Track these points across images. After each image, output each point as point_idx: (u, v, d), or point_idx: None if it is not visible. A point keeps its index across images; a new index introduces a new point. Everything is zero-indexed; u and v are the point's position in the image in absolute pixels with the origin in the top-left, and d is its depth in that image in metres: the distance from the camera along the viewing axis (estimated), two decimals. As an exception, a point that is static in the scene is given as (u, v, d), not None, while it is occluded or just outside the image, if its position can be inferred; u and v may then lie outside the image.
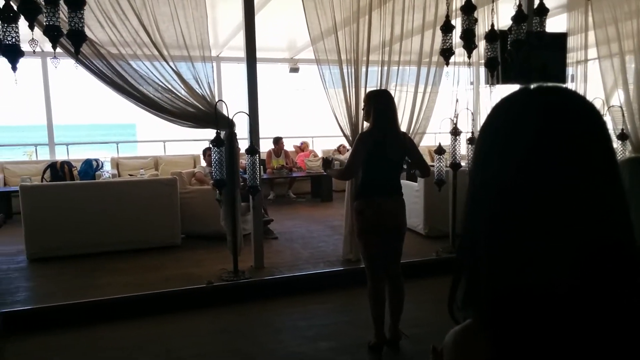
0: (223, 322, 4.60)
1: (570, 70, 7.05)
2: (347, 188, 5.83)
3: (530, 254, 0.77)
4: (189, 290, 4.96)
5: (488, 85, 6.20)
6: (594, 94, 7.06)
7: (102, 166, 9.46)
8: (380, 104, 3.81)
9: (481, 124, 0.90)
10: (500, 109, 0.87)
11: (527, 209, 0.78)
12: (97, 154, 10.86)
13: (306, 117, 12.43)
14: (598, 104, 6.93)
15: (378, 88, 5.77)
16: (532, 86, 0.86)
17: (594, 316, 0.75)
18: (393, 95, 5.73)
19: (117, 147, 11.51)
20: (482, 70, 6.26)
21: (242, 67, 5.64)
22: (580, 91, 7.04)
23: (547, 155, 0.78)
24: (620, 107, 6.93)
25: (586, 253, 0.76)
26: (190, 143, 11.25)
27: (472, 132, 6.22)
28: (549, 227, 0.76)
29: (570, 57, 6.88)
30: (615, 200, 0.80)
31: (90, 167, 9.12)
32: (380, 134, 3.76)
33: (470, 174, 0.89)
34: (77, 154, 12.24)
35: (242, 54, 5.55)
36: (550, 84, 0.85)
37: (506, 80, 6.13)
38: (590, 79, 7.17)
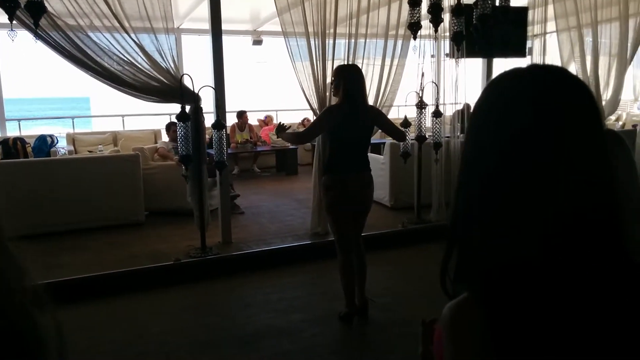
0: (192, 298, 4.58)
1: (529, 44, 7.18)
2: (314, 162, 5.83)
3: (522, 226, 0.79)
4: (157, 268, 4.90)
5: (452, 59, 6.26)
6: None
7: (57, 142, 9.15)
8: (350, 79, 3.79)
9: (474, 101, 0.92)
10: (497, 84, 0.89)
11: (520, 180, 0.80)
12: (51, 130, 10.50)
13: (270, 90, 12.29)
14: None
15: (345, 61, 5.74)
16: (526, 65, 0.88)
17: (587, 286, 0.77)
18: (360, 68, 5.75)
19: (73, 122, 11.13)
20: (446, 43, 6.31)
21: (204, 40, 5.52)
22: (540, 62, 7.18)
23: (542, 127, 0.79)
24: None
25: (576, 224, 0.78)
26: (150, 117, 10.97)
27: (437, 105, 6.28)
28: (542, 198, 0.78)
29: (530, 31, 7.00)
30: (604, 172, 0.82)
31: (44, 144, 8.79)
32: (349, 108, 3.74)
33: (463, 147, 0.91)
34: (30, 130, 11.81)
35: (203, 25, 5.43)
36: (545, 64, 0.89)
37: (470, 53, 6.20)
38: (548, 52, 7.32)
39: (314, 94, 5.66)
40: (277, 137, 4.27)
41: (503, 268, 0.79)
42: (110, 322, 4.09)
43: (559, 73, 0.86)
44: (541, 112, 0.80)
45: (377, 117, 3.92)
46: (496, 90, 0.88)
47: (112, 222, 6.09)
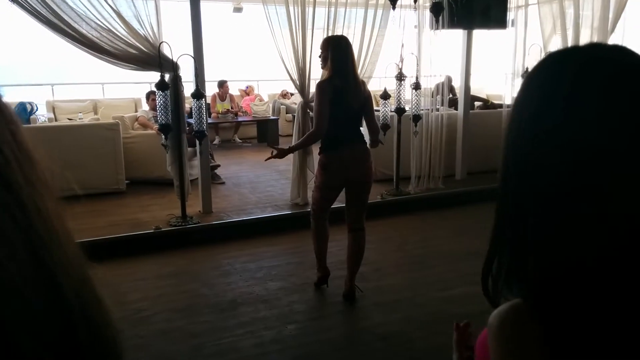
0: (172, 266, 4.64)
1: (511, 15, 7.20)
2: (294, 132, 5.86)
3: (586, 225, 0.70)
4: (137, 236, 4.94)
5: (432, 30, 6.28)
6: (533, 40, 7.27)
7: (36, 110, 9.04)
8: (338, 51, 3.65)
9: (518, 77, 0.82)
10: (560, 63, 0.76)
11: (590, 184, 0.70)
12: (31, 96, 10.32)
13: (251, 60, 12.16)
14: (536, 51, 7.15)
15: (325, 30, 5.72)
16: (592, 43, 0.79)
17: None
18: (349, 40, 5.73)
19: (52, 89, 10.95)
20: (427, 14, 6.31)
21: (183, 6, 5.45)
22: (520, 36, 7.23)
23: (616, 122, 0.69)
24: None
25: None
26: (130, 86, 10.83)
27: (417, 77, 6.31)
28: (609, 195, 0.69)
29: (511, 2, 7.01)
30: None
31: (24, 111, 8.68)
32: (339, 82, 3.62)
33: (505, 144, 0.79)
34: (9, 97, 11.59)
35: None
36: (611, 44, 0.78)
37: (450, 25, 6.21)
38: (529, 24, 7.34)
39: (294, 64, 5.65)
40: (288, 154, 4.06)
41: (564, 272, 0.71)
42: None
43: (630, 54, 0.73)
44: (618, 103, 0.70)
45: (365, 96, 3.79)
46: (556, 74, 0.75)
47: (93, 191, 6.06)
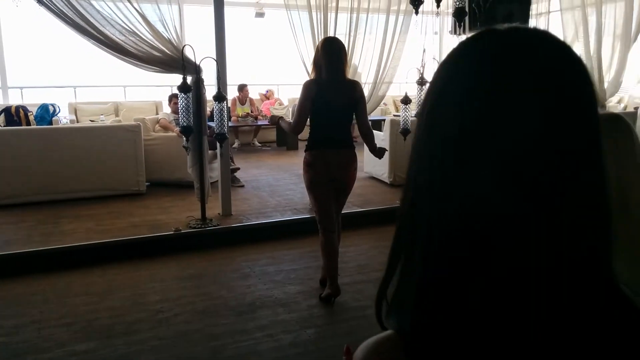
0: (192, 268, 4.66)
1: (533, 22, 7.14)
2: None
3: (467, 269, 0.62)
4: (157, 237, 4.97)
5: (454, 35, 6.24)
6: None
7: (59, 111, 9.16)
8: (328, 52, 3.61)
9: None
10: (457, 52, 0.66)
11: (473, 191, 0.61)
12: (53, 98, 10.46)
13: (271, 64, 12.21)
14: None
15: (347, 35, 5.74)
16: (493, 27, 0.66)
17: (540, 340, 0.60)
18: (362, 45, 5.74)
19: (75, 91, 11.10)
20: (448, 19, 6.29)
21: (206, 10, 5.50)
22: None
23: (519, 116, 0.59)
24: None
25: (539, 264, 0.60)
26: (152, 88, 10.95)
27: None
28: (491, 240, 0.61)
29: (534, 9, 6.96)
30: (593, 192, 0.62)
31: (46, 112, 8.81)
32: (325, 81, 3.59)
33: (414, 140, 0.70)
34: (32, 98, 11.76)
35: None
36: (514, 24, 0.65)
37: (472, 30, 6.17)
38: (552, 31, 7.28)
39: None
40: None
41: (443, 310, 0.63)
42: (109, 290, 4.17)
43: (549, 38, 0.63)
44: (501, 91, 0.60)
45: (355, 96, 3.70)
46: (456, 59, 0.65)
47: (113, 192, 6.16)
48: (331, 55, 3.59)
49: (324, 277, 4.13)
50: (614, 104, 8.84)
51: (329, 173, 3.69)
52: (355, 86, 3.76)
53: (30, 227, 5.21)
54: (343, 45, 3.77)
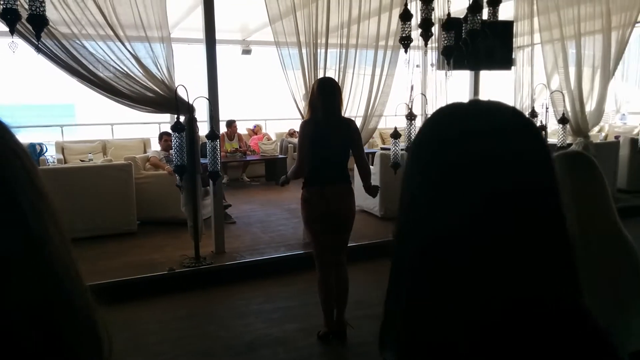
0: (188, 307, 4.61)
1: (516, 56, 7.34)
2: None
3: (443, 309, 0.70)
4: (151, 278, 4.92)
5: (440, 70, 6.40)
6: (538, 77, 7.40)
7: (45, 150, 9.11)
8: (323, 91, 3.69)
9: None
10: (435, 122, 0.79)
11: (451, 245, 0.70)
12: (39, 138, 10.42)
13: (258, 100, 12.34)
14: (540, 89, 7.27)
15: (336, 71, 5.84)
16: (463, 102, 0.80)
17: None
18: (351, 79, 5.84)
19: (62, 130, 11.08)
20: (433, 54, 6.44)
21: (193, 49, 5.55)
22: (526, 75, 7.34)
23: (483, 176, 0.69)
24: (561, 91, 7.28)
25: (507, 311, 0.67)
26: (139, 126, 10.97)
27: (426, 117, 6.40)
28: (467, 282, 0.68)
29: (516, 42, 7.16)
30: (556, 247, 0.71)
31: (33, 152, 8.74)
32: (321, 121, 3.68)
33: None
34: (18, 138, 11.68)
35: (194, 34, 5.45)
36: (486, 100, 0.79)
37: (457, 66, 6.34)
38: (535, 63, 7.49)
39: (307, 104, 5.73)
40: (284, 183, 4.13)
41: (423, 350, 0.70)
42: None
43: (505, 110, 0.76)
44: (483, 156, 0.70)
45: (351, 134, 3.78)
46: (432, 128, 0.78)
47: (105, 232, 6.10)
48: (326, 95, 3.68)
49: (324, 334, 3.97)
50: (595, 133, 9.04)
51: (327, 207, 3.70)
52: (350, 124, 3.86)
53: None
54: (337, 85, 3.89)
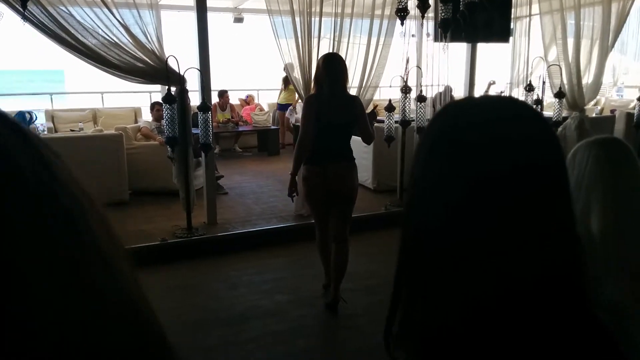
0: (180, 278, 4.63)
1: (514, 26, 7.24)
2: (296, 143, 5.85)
3: (467, 285, 0.70)
4: (144, 248, 4.91)
5: (436, 42, 6.31)
6: (535, 49, 7.32)
7: (35, 119, 8.99)
8: (329, 67, 3.72)
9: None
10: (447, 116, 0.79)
11: (469, 233, 0.70)
12: (28, 105, 10.29)
13: (251, 69, 12.19)
14: (537, 62, 7.21)
15: (331, 40, 5.75)
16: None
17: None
18: (346, 49, 5.75)
19: (51, 98, 10.93)
20: (429, 24, 6.34)
21: (184, 17, 5.42)
22: (523, 46, 7.26)
23: (497, 168, 0.70)
24: (558, 64, 7.22)
25: (528, 287, 0.68)
26: (130, 95, 10.83)
27: (420, 90, 6.35)
28: (489, 256, 0.69)
29: (514, 13, 7.06)
30: (567, 221, 0.72)
31: (23, 120, 8.61)
32: (327, 96, 3.69)
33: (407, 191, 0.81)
34: (7, 106, 11.55)
35: (184, 1, 5.30)
36: (490, 96, 0.82)
37: (455, 38, 6.26)
38: (533, 34, 7.40)
39: (300, 75, 5.65)
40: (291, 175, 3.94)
41: (445, 337, 0.70)
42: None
43: (515, 104, 0.78)
44: (498, 148, 0.70)
45: (356, 110, 3.80)
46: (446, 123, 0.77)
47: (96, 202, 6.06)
48: (332, 72, 3.70)
49: (326, 284, 4.19)
50: (591, 106, 9.00)
51: (327, 185, 3.74)
52: (355, 101, 3.88)
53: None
54: (343, 62, 3.91)
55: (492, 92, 8.30)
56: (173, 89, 4.94)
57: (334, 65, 3.74)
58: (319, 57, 4.06)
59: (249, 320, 3.89)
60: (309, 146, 3.71)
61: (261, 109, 10.37)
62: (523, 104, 0.79)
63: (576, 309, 0.70)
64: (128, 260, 0.49)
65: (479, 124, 0.72)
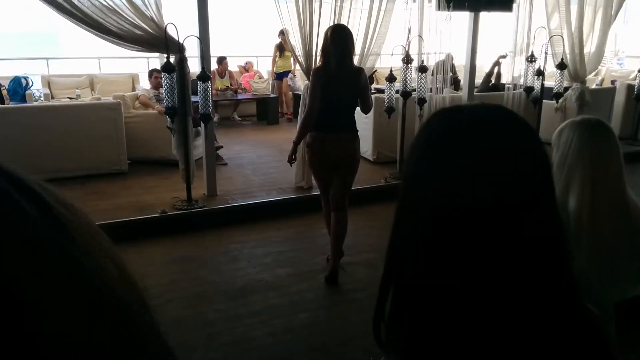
0: (180, 251, 4.64)
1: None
2: (299, 112, 5.79)
3: (459, 270, 0.73)
4: (143, 220, 4.92)
5: (439, 10, 6.20)
6: (537, 18, 7.19)
7: (32, 84, 8.88)
8: (337, 39, 3.73)
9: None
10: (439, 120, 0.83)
11: (460, 220, 0.74)
12: (23, 70, 10.12)
13: (250, 36, 11.97)
14: (539, 32, 7.09)
15: (333, 3, 5.62)
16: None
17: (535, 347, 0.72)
18: (348, 14, 5.64)
19: (47, 63, 10.76)
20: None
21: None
22: (526, 15, 7.12)
23: (485, 167, 0.74)
24: (561, 35, 7.11)
25: (516, 275, 0.72)
26: (127, 60, 10.64)
27: (422, 61, 6.26)
28: (480, 243, 0.72)
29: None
30: (550, 219, 0.76)
31: (19, 86, 8.52)
32: (334, 69, 3.72)
33: (400, 189, 0.84)
34: (2, 70, 11.36)
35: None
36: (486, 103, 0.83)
37: (457, 7, 6.14)
38: (535, 3, 7.25)
39: (299, 40, 5.54)
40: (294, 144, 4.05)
41: (432, 332, 0.73)
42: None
43: (502, 111, 0.81)
44: (486, 150, 0.74)
45: (360, 84, 3.83)
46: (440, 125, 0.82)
47: (95, 172, 6.03)
48: (339, 44, 3.72)
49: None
50: (591, 77, 8.89)
51: (328, 154, 3.82)
52: (361, 74, 3.90)
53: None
54: (351, 34, 3.90)
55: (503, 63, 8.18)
56: (172, 57, 4.85)
57: (341, 38, 3.75)
58: (327, 28, 4.00)
59: (250, 294, 3.92)
60: (315, 117, 3.77)
61: (260, 77, 10.22)
62: (509, 112, 0.81)
63: (567, 305, 0.74)
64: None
65: (466, 130, 0.76)
